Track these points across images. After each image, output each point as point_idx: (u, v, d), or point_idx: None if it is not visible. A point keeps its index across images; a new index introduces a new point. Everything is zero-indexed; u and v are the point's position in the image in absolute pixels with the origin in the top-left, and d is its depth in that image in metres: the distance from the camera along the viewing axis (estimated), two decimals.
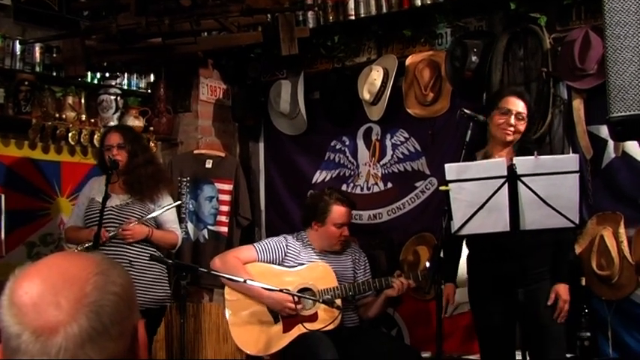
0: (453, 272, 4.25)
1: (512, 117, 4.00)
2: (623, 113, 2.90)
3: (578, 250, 4.56)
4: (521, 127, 4.04)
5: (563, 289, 3.97)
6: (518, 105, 4.05)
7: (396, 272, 4.71)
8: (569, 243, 4.24)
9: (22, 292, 1.14)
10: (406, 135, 5.51)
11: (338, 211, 4.82)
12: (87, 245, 4.47)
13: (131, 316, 1.20)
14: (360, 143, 5.72)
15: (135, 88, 6.00)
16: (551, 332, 3.97)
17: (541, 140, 4.69)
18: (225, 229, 5.91)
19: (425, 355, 4.93)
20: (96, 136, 5.40)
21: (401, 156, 5.53)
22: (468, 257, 4.25)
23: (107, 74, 5.77)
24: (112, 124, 5.53)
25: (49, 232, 5.28)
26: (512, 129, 4.01)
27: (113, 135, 4.78)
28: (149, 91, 6.07)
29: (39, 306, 1.13)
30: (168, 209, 4.82)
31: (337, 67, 5.77)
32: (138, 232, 4.65)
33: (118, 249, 4.61)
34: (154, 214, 4.75)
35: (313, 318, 4.60)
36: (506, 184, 3.47)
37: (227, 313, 4.72)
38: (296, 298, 4.52)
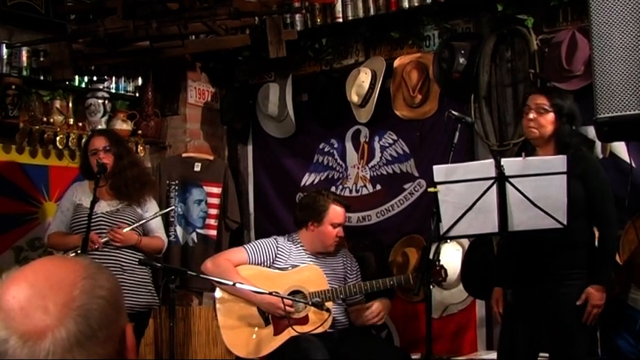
0: (501, 275, 4.05)
1: (531, 112, 3.86)
2: (609, 114, 2.92)
3: None
4: (543, 120, 3.85)
5: (593, 292, 3.74)
6: (535, 99, 3.90)
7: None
8: (613, 242, 3.95)
9: (9, 297, 1.14)
10: (394, 137, 5.51)
11: (335, 211, 4.82)
12: (78, 252, 4.45)
13: (119, 319, 1.20)
14: (349, 145, 5.72)
15: (123, 92, 5.98)
16: (573, 339, 3.82)
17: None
18: (214, 232, 5.90)
19: (414, 356, 4.93)
20: (84, 140, 5.37)
21: (389, 158, 5.53)
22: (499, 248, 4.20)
23: (95, 78, 5.75)
24: (99, 127, 5.51)
25: (37, 237, 5.25)
26: (532, 124, 3.86)
27: (98, 139, 4.76)
28: (137, 94, 6.05)
29: (26, 310, 1.12)
30: (160, 215, 4.88)
31: (325, 69, 5.78)
32: (128, 238, 4.67)
33: (110, 254, 4.62)
34: (146, 220, 4.81)
35: (304, 321, 4.60)
36: (495, 186, 3.47)
37: (218, 314, 4.71)
38: (287, 301, 4.53)
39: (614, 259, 4.02)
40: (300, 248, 4.85)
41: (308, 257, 4.82)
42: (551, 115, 3.86)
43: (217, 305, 4.73)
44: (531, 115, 3.87)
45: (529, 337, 3.87)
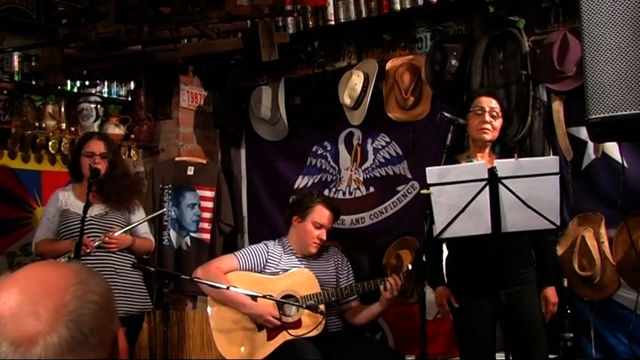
0: (441, 275, 4.26)
1: (487, 114, 4.05)
2: (601, 115, 2.92)
3: (559, 251, 4.60)
4: (497, 124, 4.08)
5: (551, 293, 4.12)
6: (490, 102, 4.10)
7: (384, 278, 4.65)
8: (549, 245, 4.37)
9: (0, 303, 1.14)
10: (387, 139, 5.51)
11: (320, 211, 4.80)
12: (71, 256, 4.43)
13: (111, 324, 1.20)
14: (342, 148, 5.72)
15: (115, 96, 5.98)
16: (536, 334, 3.99)
17: (521, 142, 4.72)
18: (207, 235, 5.89)
19: (409, 358, 4.94)
20: (78, 139, 5.34)
21: (382, 160, 5.53)
22: (448, 259, 4.26)
23: (87, 82, 5.74)
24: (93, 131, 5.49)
25: (30, 242, 5.21)
26: (488, 126, 4.05)
27: (97, 143, 4.74)
28: (129, 98, 6.05)
29: (18, 316, 1.12)
30: (151, 218, 4.87)
31: (317, 72, 5.78)
32: (122, 240, 4.67)
33: (104, 257, 4.61)
34: (139, 222, 4.81)
35: (297, 324, 4.59)
36: (487, 187, 3.48)
37: (210, 321, 4.71)
38: (276, 311, 4.54)
39: (553, 259, 4.43)
40: (290, 252, 4.83)
41: (298, 261, 4.80)
42: (500, 120, 4.13)
43: (210, 313, 4.72)
44: (487, 118, 4.06)
45: (488, 333, 4.05)
